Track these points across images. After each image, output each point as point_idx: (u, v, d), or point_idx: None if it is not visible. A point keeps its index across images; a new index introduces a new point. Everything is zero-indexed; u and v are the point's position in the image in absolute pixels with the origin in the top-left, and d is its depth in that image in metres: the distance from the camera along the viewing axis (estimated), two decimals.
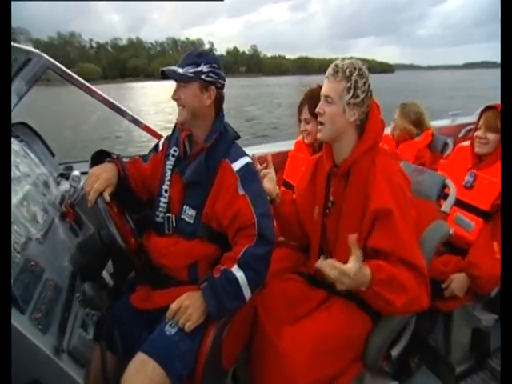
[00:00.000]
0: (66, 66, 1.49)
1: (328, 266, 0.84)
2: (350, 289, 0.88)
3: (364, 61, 1.04)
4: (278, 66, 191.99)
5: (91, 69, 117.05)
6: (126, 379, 0.84)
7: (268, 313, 1.09)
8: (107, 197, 0.99)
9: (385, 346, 1.06)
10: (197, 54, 1.01)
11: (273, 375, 0.98)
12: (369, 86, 1.02)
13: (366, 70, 1.02)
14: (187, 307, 0.92)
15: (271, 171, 1.25)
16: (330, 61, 1.05)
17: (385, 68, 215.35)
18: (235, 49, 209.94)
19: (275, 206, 1.24)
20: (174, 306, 0.93)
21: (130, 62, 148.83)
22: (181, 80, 0.99)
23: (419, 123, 2.06)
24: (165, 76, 0.98)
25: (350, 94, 0.99)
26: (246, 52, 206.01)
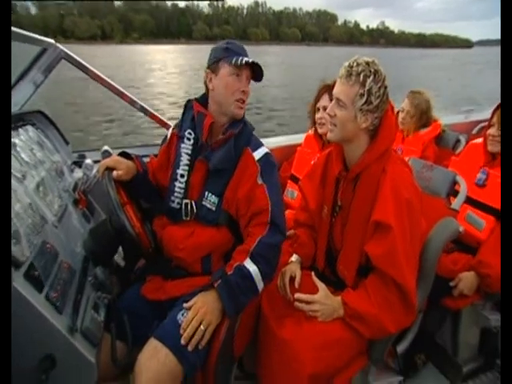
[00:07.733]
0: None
1: (299, 304, 1.01)
2: (328, 316, 0.99)
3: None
4: (406, 40, 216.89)
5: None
6: (139, 364, 0.85)
7: (272, 305, 1.10)
8: (114, 173, 1.04)
9: (390, 341, 1.06)
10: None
11: (277, 367, 0.99)
12: (385, 89, 0.94)
13: (382, 72, 0.94)
14: (205, 314, 0.90)
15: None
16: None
17: (465, 44, 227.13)
18: (356, 22, 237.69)
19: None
20: (190, 315, 0.90)
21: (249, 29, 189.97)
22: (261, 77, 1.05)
23: (428, 113, 2.01)
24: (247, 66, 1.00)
25: (363, 101, 0.93)
26: (374, 27, 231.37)
